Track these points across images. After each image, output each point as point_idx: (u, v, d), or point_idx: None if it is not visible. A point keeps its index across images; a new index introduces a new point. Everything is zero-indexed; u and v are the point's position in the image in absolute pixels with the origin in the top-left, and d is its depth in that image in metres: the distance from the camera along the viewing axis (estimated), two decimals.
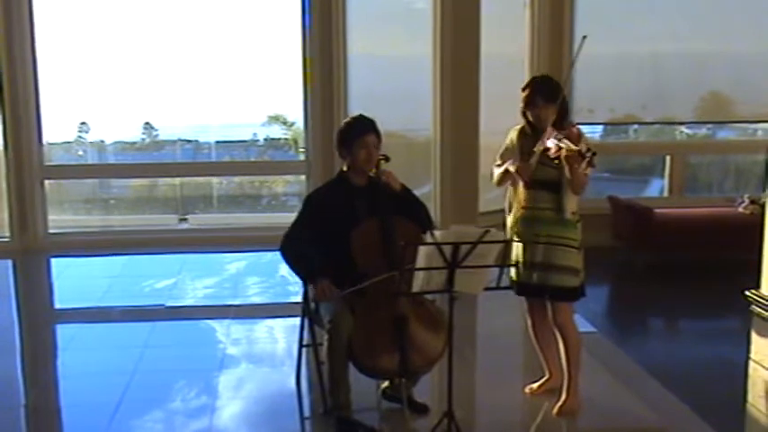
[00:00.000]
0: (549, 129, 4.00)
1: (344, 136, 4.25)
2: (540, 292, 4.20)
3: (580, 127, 4.17)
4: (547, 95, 4.11)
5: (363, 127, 4.22)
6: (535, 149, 4.04)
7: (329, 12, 7.87)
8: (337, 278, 4.06)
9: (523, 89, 4.20)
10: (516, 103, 4.21)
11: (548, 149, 3.94)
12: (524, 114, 4.19)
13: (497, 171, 4.29)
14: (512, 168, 4.14)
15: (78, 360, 5.26)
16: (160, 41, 8.63)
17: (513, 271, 4.25)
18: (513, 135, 4.31)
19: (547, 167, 4.04)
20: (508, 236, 4.19)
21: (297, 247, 4.18)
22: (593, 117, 8.71)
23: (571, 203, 4.09)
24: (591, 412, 4.28)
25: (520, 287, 4.27)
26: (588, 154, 3.76)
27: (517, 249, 4.22)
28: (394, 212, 4.13)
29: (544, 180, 4.08)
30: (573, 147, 3.83)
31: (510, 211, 4.30)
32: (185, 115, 9.14)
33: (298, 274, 4.24)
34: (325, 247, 4.10)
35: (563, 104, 4.15)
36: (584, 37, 4.05)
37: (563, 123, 4.09)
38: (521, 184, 4.19)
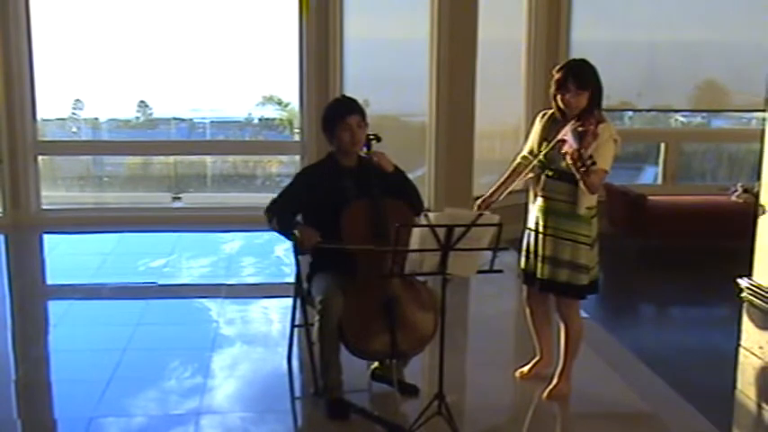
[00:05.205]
0: (573, 121, 3.84)
1: (326, 120, 4.20)
2: (548, 287, 4.14)
3: (608, 120, 3.99)
4: (580, 81, 3.90)
5: (344, 108, 4.17)
6: (545, 144, 3.97)
7: None
8: (326, 257, 4.06)
9: (557, 71, 3.99)
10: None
11: (563, 142, 3.81)
12: (554, 98, 4.00)
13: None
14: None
15: (70, 336, 5.26)
16: (156, 20, 8.59)
17: (523, 260, 4.26)
18: (538, 125, 4.18)
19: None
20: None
21: (280, 209, 4.15)
22: None
23: (587, 199, 3.95)
24: (581, 397, 4.30)
25: (527, 277, 4.24)
26: (588, 162, 3.65)
27: (528, 238, 4.21)
28: (385, 193, 4.10)
29: (563, 170, 3.93)
30: (575, 146, 3.72)
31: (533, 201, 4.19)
32: (180, 94, 9.11)
33: (280, 230, 4.14)
34: (313, 225, 4.09)
35: (598, 93, 3.95)
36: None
37: (593, 112, 3.90)
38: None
